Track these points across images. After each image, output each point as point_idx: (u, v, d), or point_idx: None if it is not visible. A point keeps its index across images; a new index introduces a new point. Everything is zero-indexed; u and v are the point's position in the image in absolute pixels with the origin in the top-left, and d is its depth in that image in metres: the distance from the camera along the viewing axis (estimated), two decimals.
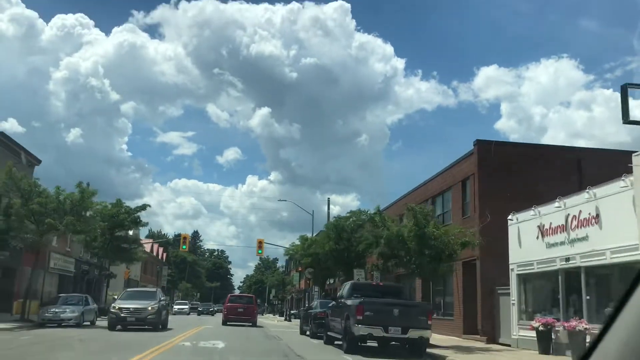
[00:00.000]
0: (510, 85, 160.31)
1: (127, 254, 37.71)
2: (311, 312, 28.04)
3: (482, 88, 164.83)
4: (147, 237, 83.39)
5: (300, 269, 53.44)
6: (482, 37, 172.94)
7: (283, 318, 68.52)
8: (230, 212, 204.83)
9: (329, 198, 54.34)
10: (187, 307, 70.46)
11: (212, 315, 68.80)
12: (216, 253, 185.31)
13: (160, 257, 79.77)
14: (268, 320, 55.79)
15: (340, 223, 35.45)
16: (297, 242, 42.30)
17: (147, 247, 67.98)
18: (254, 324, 32.86)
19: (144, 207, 37.65)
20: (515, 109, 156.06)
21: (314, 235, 44.74)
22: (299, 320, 35.25)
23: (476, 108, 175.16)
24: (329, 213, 49.28)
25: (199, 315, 68.86)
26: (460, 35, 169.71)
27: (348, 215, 36.45)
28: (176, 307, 67.45)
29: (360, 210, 35.87)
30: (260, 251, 42.76)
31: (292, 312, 65.10)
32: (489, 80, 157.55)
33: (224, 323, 32.31)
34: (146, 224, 38.98)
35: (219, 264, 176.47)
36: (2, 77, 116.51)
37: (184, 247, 43.07)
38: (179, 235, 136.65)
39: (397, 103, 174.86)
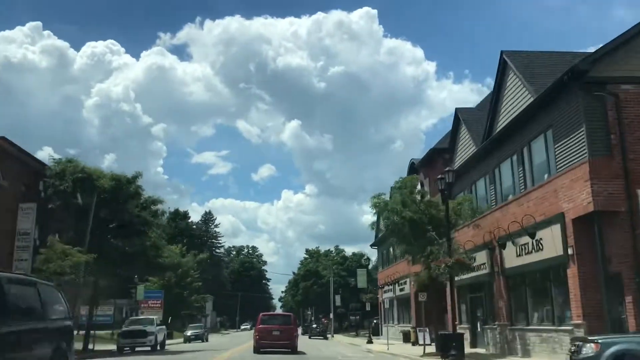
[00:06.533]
0: None
1: None
2: None
3: None
4: None
5: None
6: (513, 32, 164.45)
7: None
8: (268, 228, 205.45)
9: None
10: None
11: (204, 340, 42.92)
12: (246, 251, 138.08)
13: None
14: None
15: None
16: None
17: None
18: (294, 350, 25.08)
19: None
20: None
21: None
22: None
23: None
24: None
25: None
26: (490, 31, 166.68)
27: None
28: None
29: None
30: None
31: None
32: None
33: (257, 351, 24.65)
34: None
35: (248, 263, 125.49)
36: (36, 107, 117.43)
37: None
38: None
39: (431, 107, 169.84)
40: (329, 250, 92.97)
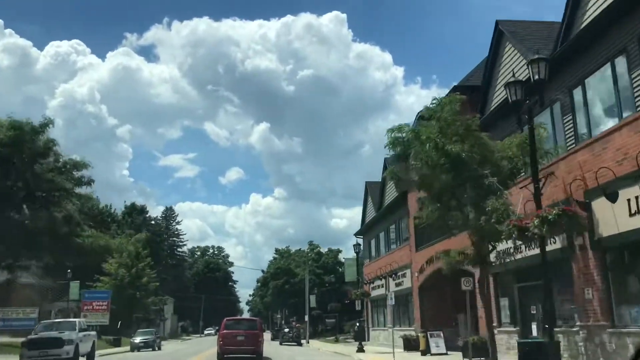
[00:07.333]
0: None
1: None
2: None
3: None
4: None
5: None
6: (480, 38, 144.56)
7: None
8: (236, 232, 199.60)
9: None
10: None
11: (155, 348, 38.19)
12: (211, 251, 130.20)
13: None
14: None
15: None
16: None
17: None
18: (260, 356, 24.49)
19: None
20: None
21: None
22: None
23: None
24: None
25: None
26: (457, 37, 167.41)
27: None
28: None
29: None
30: None
31: None
32: None
33: (221, 357, 24.08)
34: None
35: (214, 264, 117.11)
36: None
37: None
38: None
39: (399, 112, 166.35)
40: (300, 249, 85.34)
